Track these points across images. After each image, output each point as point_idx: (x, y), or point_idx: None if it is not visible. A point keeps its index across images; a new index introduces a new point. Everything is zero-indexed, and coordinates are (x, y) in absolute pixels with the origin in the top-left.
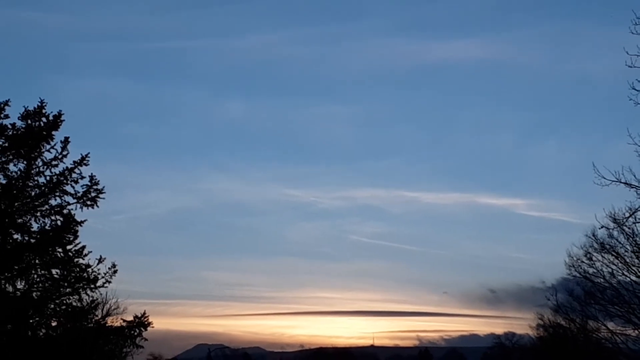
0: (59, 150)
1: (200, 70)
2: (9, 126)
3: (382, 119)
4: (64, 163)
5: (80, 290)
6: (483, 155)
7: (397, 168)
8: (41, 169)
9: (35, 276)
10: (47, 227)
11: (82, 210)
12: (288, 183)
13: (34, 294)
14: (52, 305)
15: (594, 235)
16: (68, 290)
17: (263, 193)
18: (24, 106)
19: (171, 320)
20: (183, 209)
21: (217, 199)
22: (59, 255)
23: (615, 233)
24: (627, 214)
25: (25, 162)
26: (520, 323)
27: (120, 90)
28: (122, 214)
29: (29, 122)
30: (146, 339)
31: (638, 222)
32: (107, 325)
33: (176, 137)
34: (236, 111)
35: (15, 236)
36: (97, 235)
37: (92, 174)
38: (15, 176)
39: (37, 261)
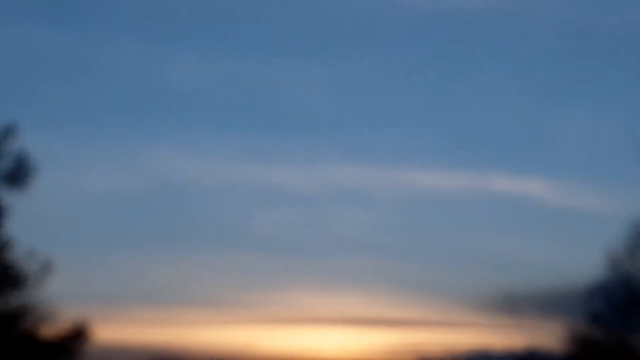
0: None
1: (144, 21)
2: None
3: (369, 79)
4: None
5: (6, 293)
6: (496, 126)
7: (389, 142)
8: None
9: None
10: None
11: (7, 194)
12: (254, 160)
13: None
14: None
15: (638, 227)
16: None
17: (224, 172)
18: None
19: (115, 329)
20: (125, 191)
21: (167, 179)
22: None
23: None
24: None
25: None
26: (544, 335)
27: (45, 41)
28: (55, 198)
29: None
30: (86, 353)
31: None
32: (38, 336)
33: (116, 102)
34: (188, 71)
35: None
36: (26, 225)
37: (20, 146)
38: None
39: None
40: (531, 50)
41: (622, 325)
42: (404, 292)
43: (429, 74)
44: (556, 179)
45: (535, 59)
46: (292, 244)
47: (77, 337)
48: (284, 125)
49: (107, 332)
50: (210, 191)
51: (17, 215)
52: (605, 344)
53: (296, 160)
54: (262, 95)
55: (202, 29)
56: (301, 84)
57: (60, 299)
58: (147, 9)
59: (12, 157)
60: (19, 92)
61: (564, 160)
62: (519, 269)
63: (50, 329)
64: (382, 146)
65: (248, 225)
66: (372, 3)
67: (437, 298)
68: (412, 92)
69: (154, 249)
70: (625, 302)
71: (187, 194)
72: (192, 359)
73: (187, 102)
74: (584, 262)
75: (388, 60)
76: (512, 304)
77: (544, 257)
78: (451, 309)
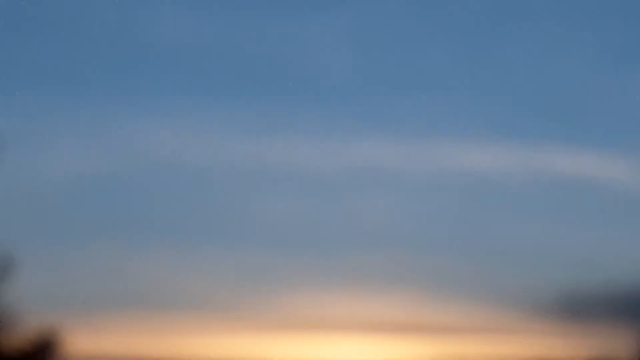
0: None
1: None
2: None
3: (397, 35)
4: None
5: None
6: (557, 89)
7: (422, 112)
8: None
9: None
10: None
11: None
12: (258, 135)
13: None
14: None
15: None
16: None
17: (221, 150)
18: None
19: (91, 339)
20: (100, 173)
21: (150, 158)
22: None
23: None
24: None
25: None
26: (614, 345)
27: None
28: (16, 182)
29: None
30: None
31: None
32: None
33: (87, 64)
34: (176, 24)
35: None
36: None
37: None
38: None
39: None
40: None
41: None
42: (439, 292)
43: (470, 27)
44: (633, 158)
45: (607, 3)
46: (304, 236)
47: (44, 349)
48: (295, 91)
49: (81, 342)
50: (204, 173)
51: None
52: None
53: (309, 134)
54: (268, 54)
55: None
56: (315, 41)
57: (24, 304)
58: None
59: None
60: None
61: None
62: (584, 265)
63: (11, 340)
64: (413, 117)
65: (250, 213)
66: None
67: (482, 300)
68: (449, 51)
69: (137, 242)
70: None
71: (175, 176)
72: None
73: (175, 64)
74: None
75: (420, 12)
76: (576, 307)
77: (618, 251)
78: (499, 313)
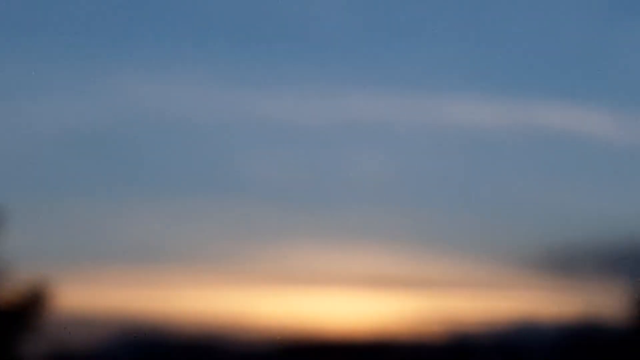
0: None
1: None
2: None
3: None
4: None
5: None
6: (545, 45)
7: (416, 64)
8: None
9: None
10: None
11: None
12: (247, 86)
13: None
14: None
15: None
16: None
17: (209, 101)
18: None
19: (81, 292)
20: (87, 125)
21: (138, 111)
22: None
23: None
24: None
25: None
26: (603, 301)
27: None
28: (1, 135)
29: None
30: (46, 322)
31: None
32: None
33: (67, 13)
34: None
35: None
36: None
37: None
38: None
39: None
40: None
41: None
42: (432, 247)
43: None
44: (621, 114)
45: None
46: (295, 189)
47: (34, 301)
48: (284, 42)
49: (71, 296)
50: (192, 125)
51: None
52: None
53: (299, 86)
54: (255, 6)
55: None
56: None
57: (13, 256)
58: None
59: None
60: None
61: (631, 90)
62: (573, 220)
63: (2, 292)
64: (406, 69)
65: (241, 166)
66: None
67: (473, 255)
68: (443, 4)
69: (126, 195)
70: None
71: (163, 128)
72: (176, 329)
73: (159, 10)
74: None
75: None
76: (565, 262)
77: (606, 206)
78: (490, 268)
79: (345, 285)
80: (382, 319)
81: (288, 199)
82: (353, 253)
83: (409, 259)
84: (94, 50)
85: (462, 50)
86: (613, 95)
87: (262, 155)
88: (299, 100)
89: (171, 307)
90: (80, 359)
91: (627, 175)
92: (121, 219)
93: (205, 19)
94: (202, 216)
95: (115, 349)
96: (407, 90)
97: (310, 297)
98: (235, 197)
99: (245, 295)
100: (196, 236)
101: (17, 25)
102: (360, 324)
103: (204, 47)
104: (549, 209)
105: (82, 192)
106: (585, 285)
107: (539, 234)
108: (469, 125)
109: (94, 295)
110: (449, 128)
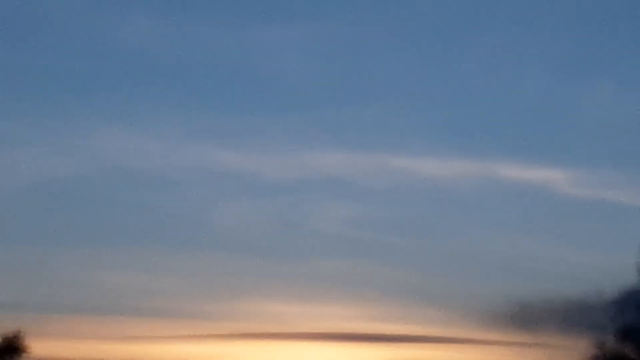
0: None
1: None
2: None
3: (355, 46)
4: None
5: None
6: (505, 103)
7: (379, 123)
8: None
9: None
10: None
11: None
12: (218, 141)
13: None
14: None
15: None
16: None
17: (182, 157)
18: None
19: (50, 344)
20: (61, 178)
21: (111, 163)
22: None
23: None
24: None
25: None
26: (566, 354)
27: None
28: None
29: None
30: None
31: None
32: None
33: (51, 70)
34: (140, 32)
35: None
36: None
37: None
38: None
39: None
40: (551, 15)
41: None
42: (398, 301)
43: (427, 42)
44: (577, 168)
45: (554, 26)
46: (264, 242)
47: (10, 352)
48: (255, 101)
49: (41, 347)
50: (166, 179)
51: None
52: None
53: (269, 143)
54: (229, 64)
55: None
56: (275, 52)
57: None
58: None
59: None
60: None
61: (586, 146)
62: (535, 273)
63: None
64: (371, 128)
65: (211, 219)
66: None
67: (438, 309)
68: (406, 64)
69: (97, 247)
70: None
71: (137, 182)
72: None
73: (138, 71)
74: (612, 265)
75: (378, 27)
76: (528, 317)
77: (565, 259)
78: (454, 323)
79: (314, 340)
80: None
81: (256, 253)
82: (321, 308)
83: (376, 313)
84: (73, 105)
85: (427, 110)
86: (570, 152)
87: (231, 209)
88: (268, 157)
89: None
90: None
91: (590, 231)
92: (90, 272)
93: (179, 79)
94: (171, 270)
95: None
96: (371, 148)
97: (278, 351)
98: (205, 251)
99: (213, 349)
100: (166, 291)
101: None
102: None
103: (178, 105)
104: (511, 263)
105: (53, 245)
106: (546, 338)
107: (502, 288)
108: (433, 181)
109: (62, 347)
110: (413, 184)
